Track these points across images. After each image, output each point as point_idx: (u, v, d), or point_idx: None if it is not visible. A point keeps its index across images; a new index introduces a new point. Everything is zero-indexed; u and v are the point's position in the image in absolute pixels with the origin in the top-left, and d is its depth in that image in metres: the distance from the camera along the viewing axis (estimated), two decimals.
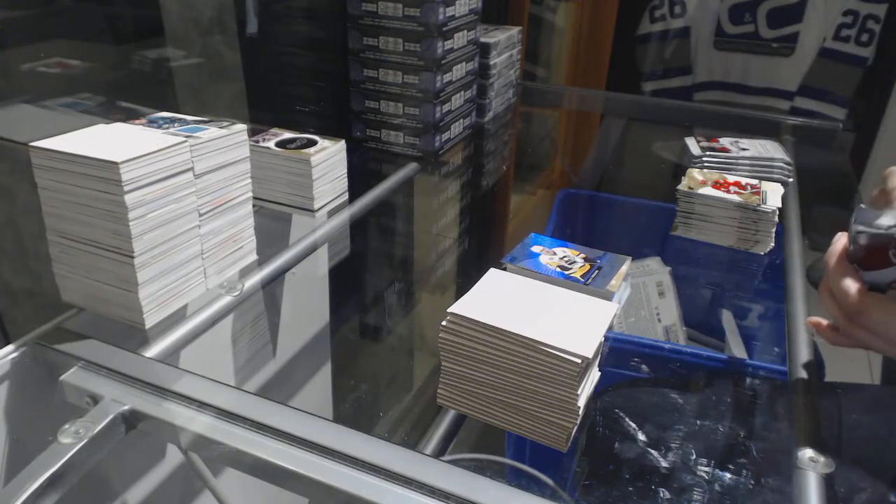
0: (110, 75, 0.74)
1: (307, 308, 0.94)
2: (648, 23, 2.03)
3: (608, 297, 0.54)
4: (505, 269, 0.58)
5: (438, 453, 0.49)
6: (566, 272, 0.57)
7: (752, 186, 0.80)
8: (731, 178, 0.82)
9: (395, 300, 1.15)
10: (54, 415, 0.49)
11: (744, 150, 0.95)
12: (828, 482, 0.45)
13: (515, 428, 0.47)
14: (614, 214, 1.32)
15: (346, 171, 0.80)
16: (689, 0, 1.96)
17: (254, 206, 0.63)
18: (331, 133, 0.79)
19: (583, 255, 0.60)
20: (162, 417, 0.47)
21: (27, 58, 0.63)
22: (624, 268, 0.59)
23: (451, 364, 0.47)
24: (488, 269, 0.53)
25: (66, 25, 0.67)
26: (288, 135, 0.78)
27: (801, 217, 0.84)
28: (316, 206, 0.76)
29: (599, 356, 0.48)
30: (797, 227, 0.81)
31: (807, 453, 0.47)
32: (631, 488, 0.66)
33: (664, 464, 0.66)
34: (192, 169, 0.54)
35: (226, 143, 0.58)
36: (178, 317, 0.57)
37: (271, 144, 0.75)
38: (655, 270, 1.20)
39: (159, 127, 0.57)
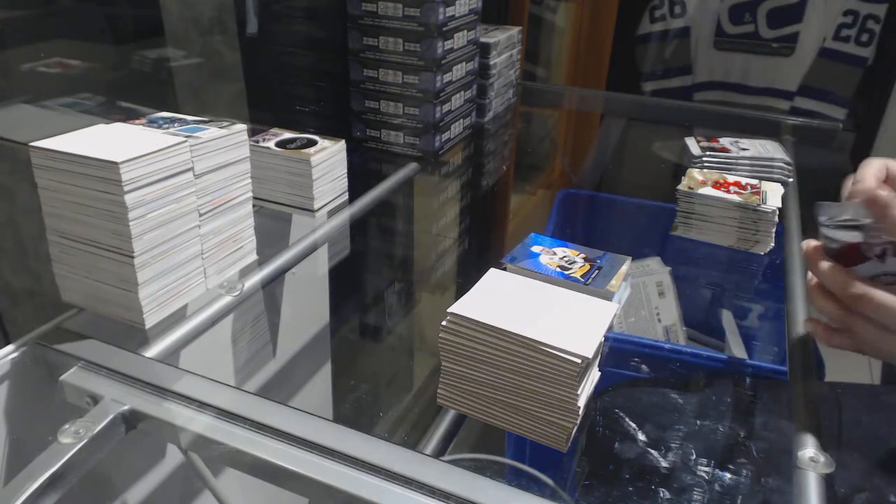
0: (110, 75, 0.74)
1: (307, 308, 0.94)
2: (648, 23, 2.02)
3: (608, 297, 0.54)
4: (505, 269, 0.58)
5: (438, 453, 0.49)
6: (566, 272, 0.57)
7: (752, 186, 0.80)
8: (731, 178, 0.82)
9: (395, 300, 1.15)
10: (54, 415, 0.49)
11: (744, 150, 0.95)
12: (828, 482, 0.45)
13: (515, 428, 0.47)
14: (614, 214, 1.32)
15: (346, 171, 0.80)
16: (689, 0, 1.96)
17: (254, 206, 0.63)
18: (331, 133, 0.79)
19: (583, 255, 0.60)
20: (162, 417, 0.47)
21: (27, 58, 0.63)
22: (624, 268, 0.59)
23: (451, 364, 0.47)
24: (488, 269, 0.53)
25: (66, 25, 0.67)
26: (288, 135, 0.78)
27: (801, 217, 0.84)
28: (316, 206, 0.76)
29: (599, 356, 0.48)
30: (797, 227, 0.81)
31: (807, 453, 0.47)
32: (631, 488, 0.66)
33: (664, 464, 0.66)
34: (192, 169, 0.54)
35: (226, 143, 0.58)
36: (178, 317, 0.57)
37: (271, 144, 0.75)
38: (655, 270, 1.20)
39: (159, 127, 0.57)
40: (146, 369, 0.51)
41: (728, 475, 0.63)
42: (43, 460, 0.43)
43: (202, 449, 0.49)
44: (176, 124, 0.58)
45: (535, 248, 0.61)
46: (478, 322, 0.45)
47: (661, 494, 0.63)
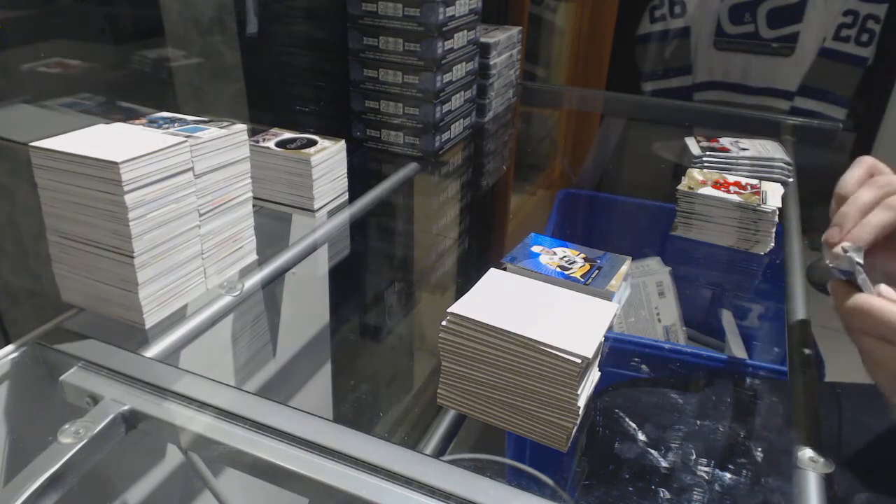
0: (110, 75, 0.74)
1: (307, 308, 0.94)
2: (648, 23, 2.03)
3: (608, 297, 0.54)
4: (505, 269, 0.58)
5: (438, 453, 0.49)
6: (566, 272, 0.57)
7: (752, 186, 0.80)
8: (731, 178, 0.82)
9: (395, 300, 1.15)
10: (54, 415, 0.49)
11: (744, 150, 0.95)
12: (828, 482, 0.45)
13: (515, 428, 0.47)
14: (614, 214, 1.32)
15: (346, 171, 0.80)
16: (689, 0, 1.96)
17: (254, 206, 0.63)
18: (331, 133, 0.79)
19: (583, 255, 0.60)
20: (162, 417, 0.47)
21: (27, 58, 0.63)
22: (624, 268, 0.59)
23: (451, 364, 0.47)
24: (488, 269, 0.53)
25: (66, 25, 0.67)
26: (288, 135, 0.78)
27: (801, 217, 0.84)
28: (316, 206, 0.76)
29: (599, 356, 0.48)
30: (797, 227, 0.81)
31: (807, 453, 0.47)
32: (631, 488, 0.66)
33: (664, 464, 0.66)
34: (192, 169, 0.54)
35: (226, 143, 0.58)
36: (178, 317, 0.57)
37: (271, 144, 0.75)
38: (655, 270, 1.20)
39: (159, 127, 0.57)
40: (146, 369, 0.51)
41: (728, 475, 0.63)
42: (43, 460, 0.43)
43: (202, 449, 0.49)
44: (176, 124, 0.58)
45: (535, 248, 0.61)
46: (478, 322, 0.45)
47: (661, 494, 0.63)
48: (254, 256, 0.65)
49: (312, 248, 0.74)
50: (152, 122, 0.58)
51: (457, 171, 1.12)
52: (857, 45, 1.83)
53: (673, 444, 0.67)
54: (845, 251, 0.48)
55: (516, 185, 1.64)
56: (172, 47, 0.79)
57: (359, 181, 0.85)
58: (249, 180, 0.62)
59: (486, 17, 1.08)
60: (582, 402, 0.44)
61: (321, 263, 0.84)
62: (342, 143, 0.78)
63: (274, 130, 0.80)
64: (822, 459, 0.46)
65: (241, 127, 0.59)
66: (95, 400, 0.49)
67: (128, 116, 0.59)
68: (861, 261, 0.47)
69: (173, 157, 0.52)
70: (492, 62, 1.11)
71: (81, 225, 0.51)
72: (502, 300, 0.48)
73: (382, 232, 1.04)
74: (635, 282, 1.18)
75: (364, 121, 1.00)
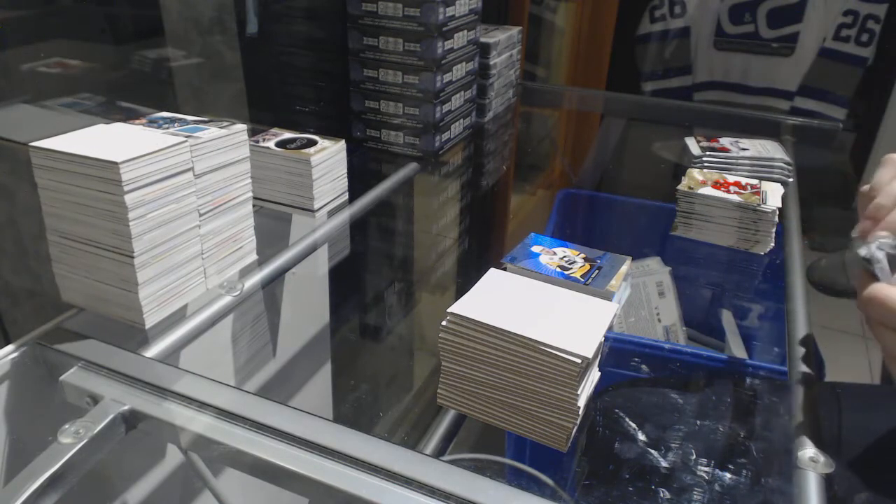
0: (110, 75, 0.74)
1: (307, 308, 0.94)
2: (648, 23, 2.02)
3: (608, 297, 0.54)
4: (505, 269, 0.58)
5: (438, 453, 0.49)
6: (566, 272, 0.57)
7: (752, 186, 0.80)
8: (731, 178, 0.82)
9: (395, 300, 1.15)
10: (54, 415, 0.49)
11: (744, 150, 0.95)
12: (828, 482, 0.45)
13: (515, 428, 0.47)
14: (614, 214, 1.32)
15: (346, 171, 0.80)
16: (689, 0, 1.96)
17: (254, 206, 0.63)
18: (331, 133, 0.79)
19: (583, 255, 0.60)
20: (162, 417, 0.47)
21: (27, 58, 0.63)
22: (624, 268, 0.59)
23: (451, 364, 0.47)
24: (488, 269, 0.53)
25: (66, 25, 0.67)
26: (288, 135, 0.78)
27: (801, 217, 0.84)
28: (316, 206, 0.76)
29: (599, 356, 0.48)
30: (797, 227, 0.81)
31: (807, 453, 0.47)
32: (631, 488, 0.66)
33: (664, 464, 0.66)
34: (192, 169, 0.54)
35: (226, 143, 0.58)
36: (178, 317, 0.57)
37: (271, 144, 0.75)
38: (655, 270, 1.20)
39: (159, 127, 0.57)
40: (146, 369, 0.51)
41: (728, 475, 0.63)
42: (43, 460, 0.43)
43: (202, 449, 0.49)
44: (176, 124, 0.58)
45: (535, 248, 0.61)
46: (478, 322, 0.45)
47: (661, 494, 0.63)
48: (254, 256, 0.65)
49: (312, 248, 0.74)
50: (152, 122, 0.58)
51: (457, 171, 1.12)
52: (857, 45, 1.83)
53: (673, 444, 0.67)
54: (879, 240, 0.46)
55: (516, 185, 1.64)
56: (172, 47, 0.79)
57: (359, 181, 0.85)
58: (249, 180, 0.62)
59: (486, 17, 1.08)
60: (582, 402, 0.44)
61: (321, 263, 0.84)
62: (342, 143, 0.78)
63: (274, 130, 0.80)
64: (822, 459, 0.46)
65: (241, 127, 0.59)
66: (95, 400, 0.49)
67: (128, 116, 0.59)
68: (893, 251, 0.45)
69: (173, 157, 0.52)
70: (492, 62, 1.11)
71: (81, 225, 0.51)
72: (502, 300, 0.48)
73: (382, 232, 1.04)
74: (635, 282, 1.18)
75: (364, 121, 1.00)
